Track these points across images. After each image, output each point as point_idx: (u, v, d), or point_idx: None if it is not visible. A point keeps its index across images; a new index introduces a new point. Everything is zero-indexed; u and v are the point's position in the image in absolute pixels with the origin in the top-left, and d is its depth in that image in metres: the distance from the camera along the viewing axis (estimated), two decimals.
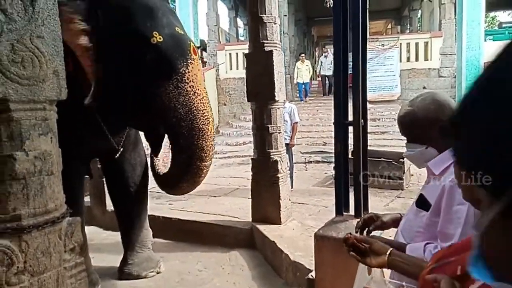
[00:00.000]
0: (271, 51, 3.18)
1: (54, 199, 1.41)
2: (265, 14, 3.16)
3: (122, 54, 2.11)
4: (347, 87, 1.79)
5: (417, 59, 10.68)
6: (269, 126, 3.27)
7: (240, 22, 17.45)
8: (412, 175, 5.58)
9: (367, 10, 1.75)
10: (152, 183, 3.08)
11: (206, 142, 2.25)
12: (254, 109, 3.38)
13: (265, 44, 3.20)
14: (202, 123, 2.22)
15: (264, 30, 3.18)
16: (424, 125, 1.22)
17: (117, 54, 2.11)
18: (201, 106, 2.21)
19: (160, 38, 2.09)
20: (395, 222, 1.36)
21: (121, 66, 2.11)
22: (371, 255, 1.00)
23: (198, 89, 2.22)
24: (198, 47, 2.38)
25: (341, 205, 1.86)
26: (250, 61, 3.34)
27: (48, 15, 1.38)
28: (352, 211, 1.84)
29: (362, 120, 1.74)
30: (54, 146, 1.42)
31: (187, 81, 2.17)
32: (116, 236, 4.13)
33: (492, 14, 20.95)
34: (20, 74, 1.29)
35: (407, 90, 10.74)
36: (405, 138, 1.31)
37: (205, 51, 12.79)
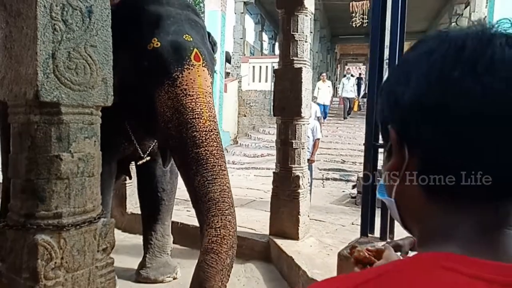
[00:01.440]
0: (300, 68, 3.24)
1: (92, 199, 1.47)
2: (297, 32, 3.23)
3: (124, 61, 2.04)
4: None
5: None
6: (293, 141, 3.31)
7: (265, 37, 17.68)
8: None
9: (405, 31, 1.78)
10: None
11: (196, 133, 1.98)
12: (279, 123, 3.42)
13: (294, 61, 3.26)
14: (191, 117, 1.99)
15: (295, 48, 3.24)
16: None
17: (121, 62, 2.05)
18: (191, 104, 2.01)
19: (157, 44, 2.05)
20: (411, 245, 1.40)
21: (123, 73, 2.05)
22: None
23: (192, 91, 2.03)
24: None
25: (366, 226, 1.87)
26: (279, 77, 3.40)
27: (102, 26, 1.47)
28: (377, 233, 1.84)
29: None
30: (96, 149, 1.49)
31: (178, 85, 2.02)
32: (133, 239, 4.20)
33: None
34: (73, 80, 1.37)
35: None
36: None
37: (229, 63, 13.01)
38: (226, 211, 1.92)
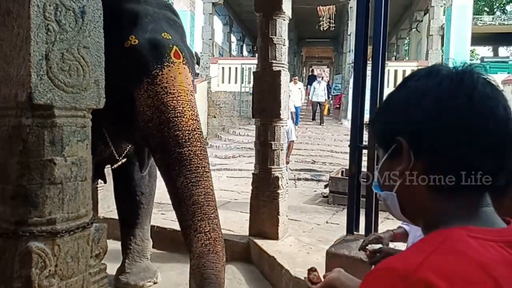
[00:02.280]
0: (279, 71, 3.30)
1: (85, 204, 1.44)
2: (275, 35, 3.29)
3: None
4: (363, 112, 1.90)
5: None
6: (273, 142, 3.36)
7: (233, 38, 17.70)
8: None
9: (387, 38, 1.87)
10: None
11: (179, 132, 1.91)
12: (258, 125, 3.46)
13: (273, 64, 3.31)
14: (172, 116, 1.93)
15: (273, 51, 3.30)
16: None
17: None
18: (172, 102, 1.95)
19: (135, 42, 1.99)
20: (393, 238, 1.51)
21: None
22: None
23: (173, 89, 1.96)
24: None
25: (352, 225, 1.94)
26: (258, 79, 3.44)
27: (94, 27, 1.44)
28: (362, 231, 1.92)
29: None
30: (88, 153, 1.45)
31: (158, 83, 1.95)
32: (109, 244, 4.08)
33: (471, 48, 21.96)
34: (66, 82, 1.33)
35: None
36: None
37: (198, 64, 12.90)
38: (212, 215, 1.90)
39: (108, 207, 4.41)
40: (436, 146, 0.57)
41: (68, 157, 1.36)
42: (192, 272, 1.86)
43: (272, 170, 3.37)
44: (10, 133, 1.31)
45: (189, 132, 1.94)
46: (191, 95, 2.06)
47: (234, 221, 4.30)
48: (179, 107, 1.95)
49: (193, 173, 1.90)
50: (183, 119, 1.94)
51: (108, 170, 2.97)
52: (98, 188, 4.28)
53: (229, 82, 12.08)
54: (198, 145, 1.96)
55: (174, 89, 1.97)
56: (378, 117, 0.67)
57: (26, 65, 1.24)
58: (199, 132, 1.99)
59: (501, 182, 0.58)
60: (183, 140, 1.91)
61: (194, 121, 1.99)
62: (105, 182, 3.03)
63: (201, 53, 12.75)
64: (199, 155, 1.94)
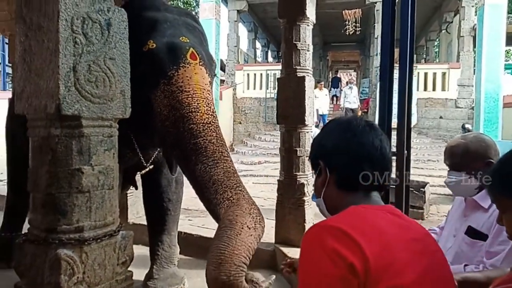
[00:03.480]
0: (303, 77, 3.26)
1: (112, 212, 1.46)
2: (299, 41, 3.26)
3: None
4: (391, 116, 1.84)
5: (434, 89, 10.74)
6: (298, 149, 3.32)
7: (258, 44, 17.79)
8: (431, 205, 5.55)
9: (414, 40, 1.81)
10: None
11: (194, 126, 1.90)
12: (283, 131, 3.43)
13: (297, 70, 3.28)
14: (187, 111, 1.92)
15: (297, 57, 3.27)
16: (473, 157, 1.46)
17: None
18: (187, 100, 1.95)
19: (152, 46, 2.01)
20: None
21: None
22: None
23: (188, 87, 1.96)
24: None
25: None
26: (282, 85, 3.42)
27: (120, 38, 1.47)
28: None
29: (406, 151, 1.78)
30: (115, 161, 1.48)
31: (174, 83, 1.94)
32: (136, 249, 4.13)
33: (506, 48, 21.04)
34: (93, 92, 1.37)
35: (423, 119, 10.77)
36: (449, 166, 1.54)
37: (223, 71, 13.06)
38: (235, 185, 1.82)
39: (137, 213, 4.50)
40: (338, 164, 0.97)
41: (95, 166, 1.39)
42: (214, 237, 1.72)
43: (298, 176, 3.33)
44: (40, 143, 1.35)
45: (204, 125, 1.92)
46: (208, 93, 2.06)
47: None
48: (194, 103, 1.95)
49: (209, 158, 1.86)
50: (198, 113, 1.94)
51: (138, 177, 3.03)
52: (128, 194, 4.38)
53: (254, 88, 12.13)
54: (214, 135, 1.93)
55: (189, 87, 1.97)
56: (311, 148, 1.09)
57: (55, 77, 1.28)
58: (214, 125, 1.96)
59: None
60: (198, 131, 1.90)
61: (210, 116, 1.97)
62: (136, 188, 3.09)
63: (226, 60, 12.90)
64: (214, 142, 1.91)
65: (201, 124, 1.92)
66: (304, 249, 0.86)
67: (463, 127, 8.86)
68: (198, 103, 1.96)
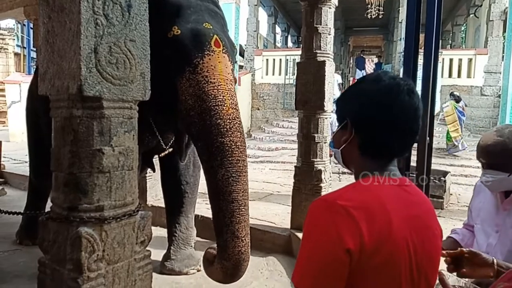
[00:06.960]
0: (323, 61, 3.21)
1: (131, 193, 1.49)
2: (321, 24, 3.20)
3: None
4: None
5: (459, 76, 10.39)
6: (316, 135, 3.29)
7: (278, 29, 17.55)
8: (451, 194, 5.43)
9: (441, 25, 1.74)
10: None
11: (220, 121, 1.97)
12: (301, 117, 3.41)
13: (318, 54, 3.23)
14: (213, 104, 1.99)
15: (318, 40, 3.21)
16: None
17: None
18: (213, 92, 2.01)
19: (177, 32, 2.04)
20: None
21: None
22: (473, 267, 1.15)
23: (213, 78, 2.02)
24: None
25: None
26: (301, 70, 3.37)
27: (140, 20, 1.47)
28: None
29: (428, 138, 1.73)
30: (135, 143, 1.50)
31: (199, 71, 2.02)
32: (155, 231, 4.21)
33: None
34: (114, 74, 1.38)
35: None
36: (484, 165, 1.39)
37: (242, 56, 12.96)
38: (247, 217, 2.02)
39: (156, 196, 4.58)
40: (366, 127, 0.94)
41: (115, 147, 1.41)
42: (219, 264, 2.03)
43: (315, 163, 3.31)
44: (62, 123, 1.38)
45: (230, 121, 2.00)
46: (231, 84, 2.12)
47: (276, 214, 4.30)
48: (220, 96, 2.01)
49: (234, 167, 1.96)
50: (224, 107, 2.01)
51: (156, 160, 3.08)
52: (147, 177, 4.46)
53: (273, 74, 12.02)
54: (239, 135, 2.02)
55: (214, 79, 2.03)
56: (338, 102, 1.04)
57: (77, 58, 1.29)
58: (238, 121, 2.05)
59: (403, 154, 1.00)
60: (225, 129, 1.98)
61: (234, 110, 2.05)
62: (154, 171, 3.15)
63: (245, 45, 12.79)
64: (239, 146, 2.00)
65: (228, 120, 2.00)
66: (310, 219, 0.90)
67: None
68: (223, 96, 2.02)
